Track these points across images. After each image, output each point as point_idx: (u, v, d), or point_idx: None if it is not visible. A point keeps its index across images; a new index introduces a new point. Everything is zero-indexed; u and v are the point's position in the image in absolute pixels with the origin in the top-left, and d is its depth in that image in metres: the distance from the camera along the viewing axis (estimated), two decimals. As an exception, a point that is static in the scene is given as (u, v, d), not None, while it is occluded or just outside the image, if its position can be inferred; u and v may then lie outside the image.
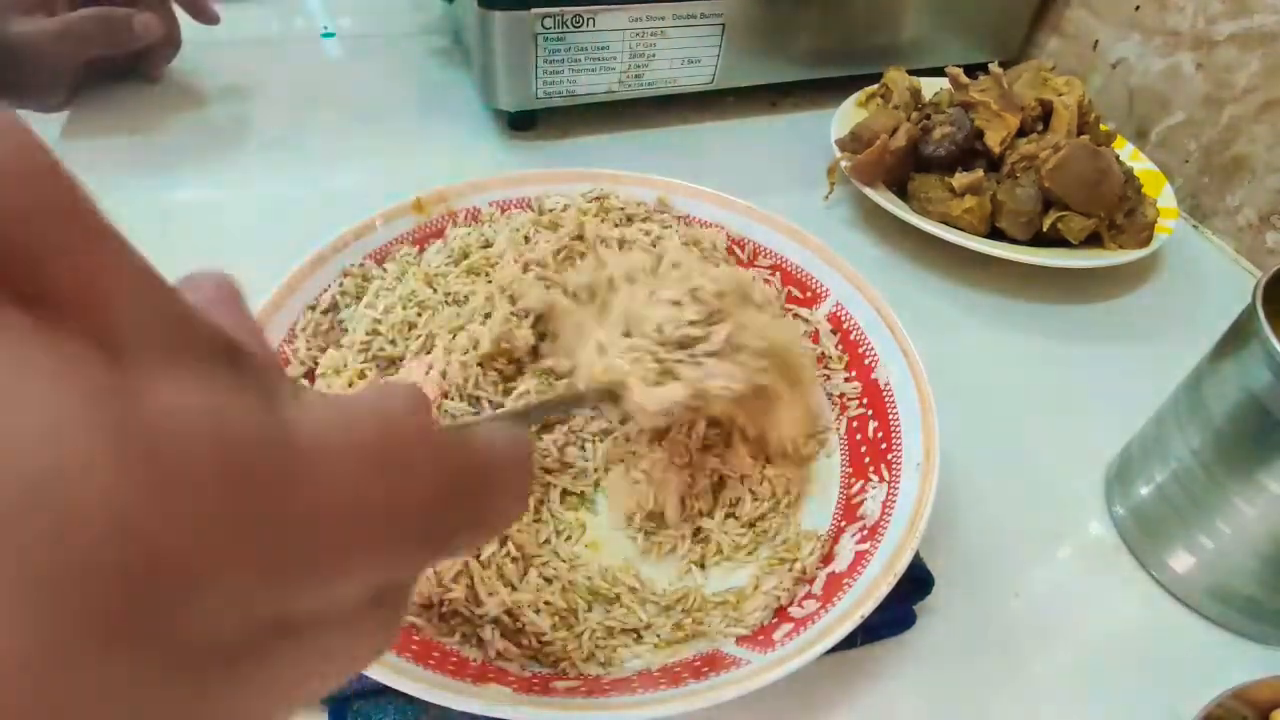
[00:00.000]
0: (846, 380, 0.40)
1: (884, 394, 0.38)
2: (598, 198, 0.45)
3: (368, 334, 0.37)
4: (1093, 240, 0.52)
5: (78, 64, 0.55)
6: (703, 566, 0.35)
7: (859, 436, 0.38)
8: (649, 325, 0.30)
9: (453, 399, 0.34)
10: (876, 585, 0.30)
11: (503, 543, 0.33)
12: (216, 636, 0.10)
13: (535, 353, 0.37)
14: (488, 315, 0.37)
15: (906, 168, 0.55)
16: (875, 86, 0.63)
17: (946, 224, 0.52)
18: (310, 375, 0.37)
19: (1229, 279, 0.57)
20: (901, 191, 0.55)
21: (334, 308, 0.39)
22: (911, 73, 0.61)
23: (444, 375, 0.34)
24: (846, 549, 0.34)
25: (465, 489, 0.13)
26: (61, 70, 0.54)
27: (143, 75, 0.61)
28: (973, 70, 0.57)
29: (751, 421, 0.35)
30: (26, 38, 0.50)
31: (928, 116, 0.55)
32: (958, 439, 0.43)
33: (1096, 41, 0.68)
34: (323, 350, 0.37)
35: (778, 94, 0.69)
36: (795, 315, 0.43)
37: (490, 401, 0.35)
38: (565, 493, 0.36)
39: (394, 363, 0.36)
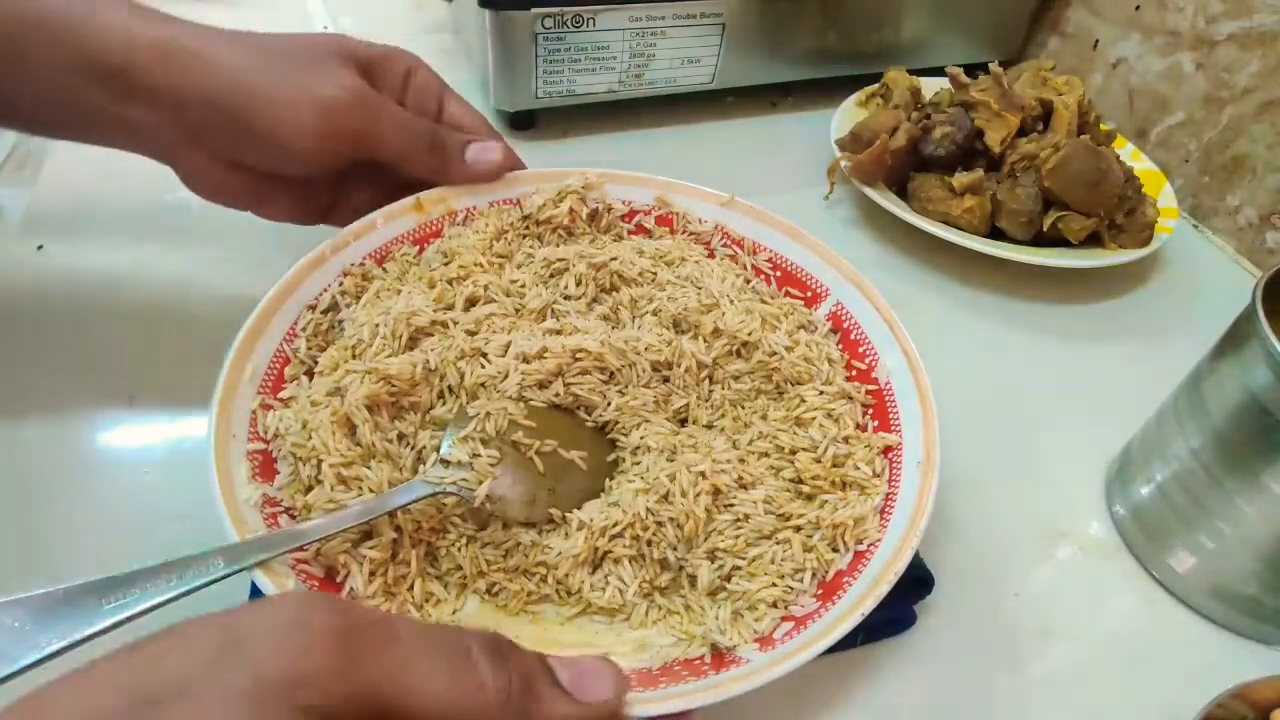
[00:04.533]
0: (847, 379, 0.40)
1: (884, 393, 0.38)
2: (575, 192, 0.45)
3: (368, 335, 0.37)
4: (1093, 240, 0.52)
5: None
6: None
7: None
8: None
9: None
10: (877, 584, 0.30)
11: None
12: None
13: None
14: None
15: (906, 168, 0.55)
16: (875, 86, 0.63)
17: (946, 224, 0.52)
18: (310, 374, 0.37)
19: (1229, 279, 0.57)
20: (901, 191, 0.55)
21: (334, 307, 0.39)
22: (911, 73, 0.61)
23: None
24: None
25: None
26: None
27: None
28: (973, 70, 0.57)
29: None
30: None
31: (928, 116, 0.55)
32: (958, 439, 0.43)
33: (1097, 41, 0.68)
34: (322, 349, 0.37)
35: (778, 94, 0.69)
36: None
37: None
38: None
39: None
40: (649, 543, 0.33)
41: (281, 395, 0.35)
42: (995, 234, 0.53)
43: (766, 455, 0.36)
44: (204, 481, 0.30)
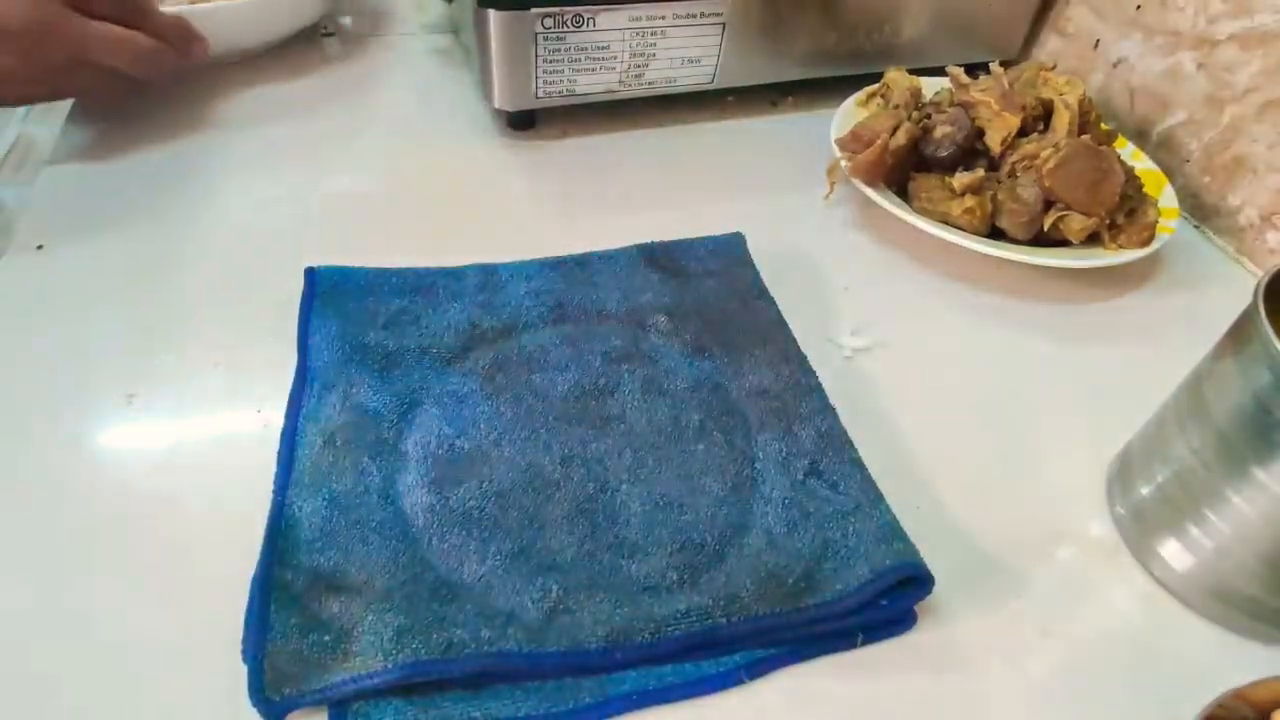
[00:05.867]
0: None
1: None
2: None
3: None
4: (1093, 240, 0.52)
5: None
6: None
7: None
8: None
9: None
10: None
11: None
12: None
13: None
14: None
15: (907, 168, 0.55)
16: (875, 86, 0.63)
17: (947, 224, 0.52)
18: None
19: (1229, 279, 0.57)
20: (902, 191, 0.55)
21: None
22: (911, 73, 0.61)
23: None
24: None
25: None
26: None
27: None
28: (973, 70, 0.57)
29: None
30: None
31: (928, 116, 0.55)
32: (958, 438, 0.43)
33: (1097, 41, 0.68)
34: None
35: (778, 94, 0.69)
36: None
37: None
38: None
39: None
40: None
41: None
42: (995, 234, 0.53)
43: None
44: (205, 481, 0.29)
